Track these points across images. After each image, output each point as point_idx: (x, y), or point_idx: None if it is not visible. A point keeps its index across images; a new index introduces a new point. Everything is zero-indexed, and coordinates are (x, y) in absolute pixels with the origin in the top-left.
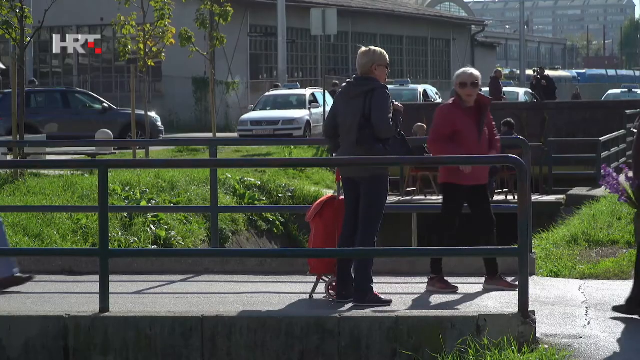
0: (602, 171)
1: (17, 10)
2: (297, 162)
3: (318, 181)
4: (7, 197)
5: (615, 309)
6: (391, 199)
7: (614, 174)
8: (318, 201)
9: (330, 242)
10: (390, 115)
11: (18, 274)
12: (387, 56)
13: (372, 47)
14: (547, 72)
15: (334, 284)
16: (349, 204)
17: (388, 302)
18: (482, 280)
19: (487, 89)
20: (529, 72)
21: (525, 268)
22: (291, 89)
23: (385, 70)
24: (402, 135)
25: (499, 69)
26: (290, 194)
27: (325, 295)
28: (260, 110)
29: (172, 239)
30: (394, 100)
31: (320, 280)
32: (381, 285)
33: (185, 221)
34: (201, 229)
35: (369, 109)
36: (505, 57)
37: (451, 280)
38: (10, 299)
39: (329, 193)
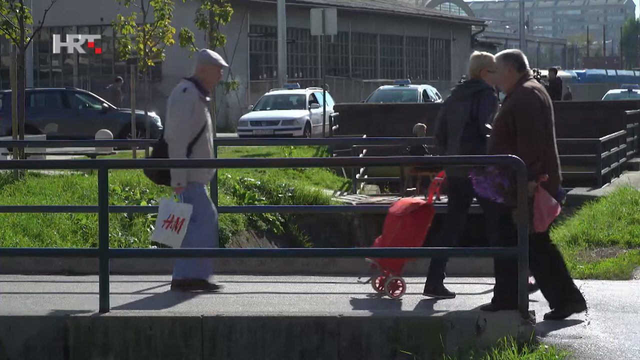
0: (473, 180)
1: (17, 10)
2: (297, 162)
3: (318, 181)
4: (7, 197)
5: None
6: (391, 199)
7: (488, 179)
8: (411, 200)
9: (415, 244)
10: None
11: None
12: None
13: (484, 53)
14: (544, 72)
15: (395, 281)
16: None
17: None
18: (482, 280)
19: None
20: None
21: (526, 268)
22: (291, 89)
23: (492, 76)
24: None
25: None
26: (290, 194)
27: (377, 291)
28: (260, 110)
29: None
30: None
31: (389, 277)
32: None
33: None
34: None
35: (476, 109)
36: None
37: (451, 280)
38: (11, 299)
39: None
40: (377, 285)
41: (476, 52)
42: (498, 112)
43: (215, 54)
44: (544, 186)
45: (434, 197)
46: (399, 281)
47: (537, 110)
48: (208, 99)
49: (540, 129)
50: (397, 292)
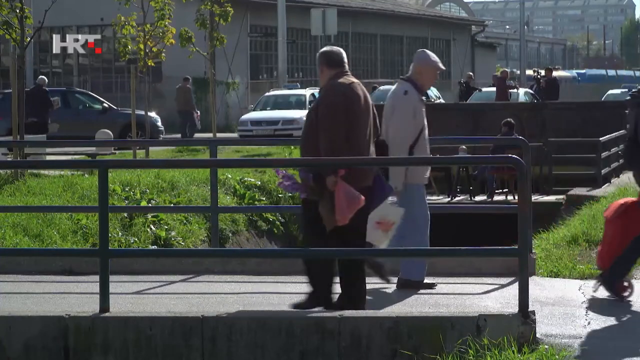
0: (277, 174)
1: (17, 11)
2: (297, 162)
3: None
4: (7, 197)
5: (295, 306)
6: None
7: (289, 174)
8: (620, 201)
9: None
10: None
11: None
12: None
13: None
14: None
15: (621, 282)
16: None
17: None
18: (482, 280)
19: (493, 88)
20: (529, 72)
21: (525, 268)
22: (291, 89)
23: None
24: None
25: (506, 70)
26: (290, 194)
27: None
28: (260, 110)
29: (172, 239)
30: None
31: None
32: (381, 285)
33: (185, 221)
34: (201, 229)
35: (637, 120)
36: (505, 57)
37: (451, 280)
38: (11, 299)
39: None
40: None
41: None
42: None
43: (433, 56)
44: (350, 181)
45: None
46: (625, 283)
47: (339, 106)
48: (424, 98)
49: (341, 125)
50: (625, 293)
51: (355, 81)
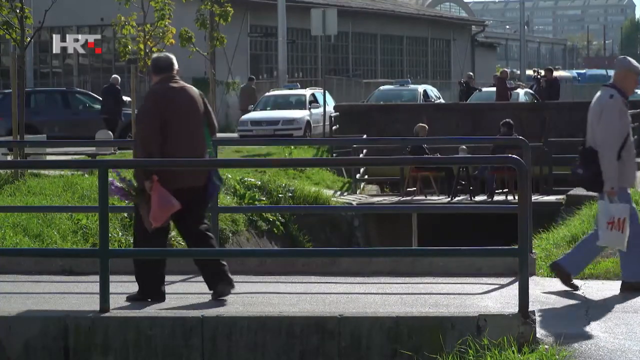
0: (110, 186)
1: (17, 11)
2: (297, 162)
3: (318, 181)
4: (7, 197)
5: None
6: (391, 199)
7: (114, 182)
8: None
9: None
10: None
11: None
12: None
13: None
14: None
15: None
16: None
17: None
18: (482, 280)
19: (493, 88)
20: (529, 72)
21: (525, 268)
22: (291, 89)
23: None
24: None
25: (505, 70)
26: (290, 194)
27: None
28: (261, 110)
29: (172, 239)
30: None
31: None
32: (381, 285)
33: None
34: None
35: None
36: (505, 57)
37: (451, 280)
38: (11, 299)
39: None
40: None
41: None
42: None
43: (634, 62)
44: (169, 183)
45: None
46: None
47: (150, 110)
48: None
49: (150, 129)
50: None
51: (178, 85)
